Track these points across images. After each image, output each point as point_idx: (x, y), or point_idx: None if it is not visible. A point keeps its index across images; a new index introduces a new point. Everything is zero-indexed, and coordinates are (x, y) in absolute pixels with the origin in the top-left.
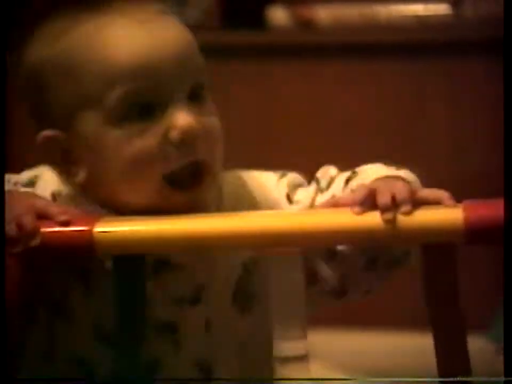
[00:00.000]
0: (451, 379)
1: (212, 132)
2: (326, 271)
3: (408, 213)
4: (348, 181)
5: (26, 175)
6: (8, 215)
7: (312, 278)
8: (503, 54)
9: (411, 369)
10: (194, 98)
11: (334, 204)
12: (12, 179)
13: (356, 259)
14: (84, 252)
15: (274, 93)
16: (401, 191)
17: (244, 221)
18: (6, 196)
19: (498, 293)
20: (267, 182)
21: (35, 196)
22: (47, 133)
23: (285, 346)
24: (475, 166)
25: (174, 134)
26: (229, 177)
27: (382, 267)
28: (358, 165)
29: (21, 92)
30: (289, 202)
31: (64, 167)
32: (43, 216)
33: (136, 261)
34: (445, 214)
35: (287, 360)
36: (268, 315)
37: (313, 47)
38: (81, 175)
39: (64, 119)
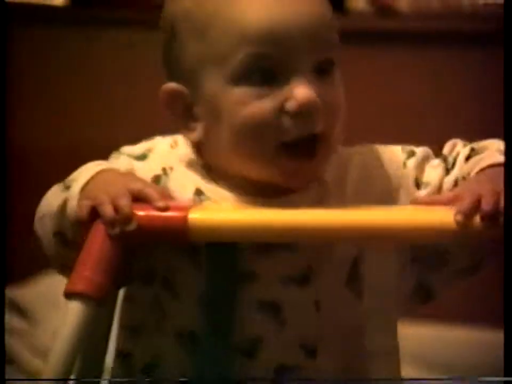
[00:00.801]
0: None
1: (333, 106)
2: (455, 249)
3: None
4: (467, 159)
5: (140, 147)
6: (104, 196)
7: (442, 258)
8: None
9: (472, 364)
10: (321, 72)
11: (434, 201)
12: (125, 150)
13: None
14: (177, 237)
15: (353, 77)
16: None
17: (336, 216)
18: (101, 175)
19: None
20: (394, 159)
21: (132, 176)
22: (172, 85)
23: (376, 340)
24: None
25: (292, 105)
26: (356, 152)
27: None
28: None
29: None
30: (417, 187)
31: (184, 121)
32: (140, 199)
33: (229, 247)
34: None
35: (377, 354)
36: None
37: (392, 33)
38: (198, 132)
39: (190, 74)
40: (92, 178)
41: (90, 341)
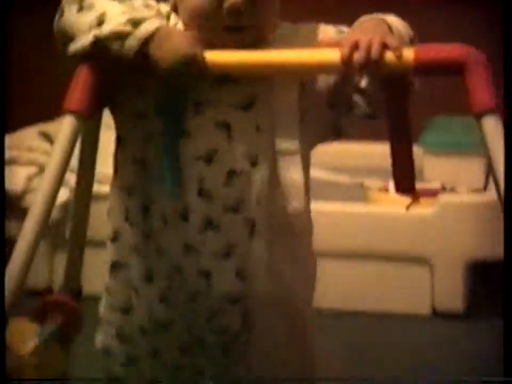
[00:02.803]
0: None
1: (260, 7)
2: (359, 100)
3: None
4: None
5: (165, 8)
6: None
7: (350, 105)
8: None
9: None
10: None
11: (323, 44)
12: (153, 3)
13: (379, 92)
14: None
15: None
16: (376, 41)
17: (264, 55)
18: (170, 30)
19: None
20: (327, 33)
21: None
22: None
23: (281, 142)
24: None
25: (226, 4)
26: (301, 27)
27: None
28: None
29: None
30: None
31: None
32: None
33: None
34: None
35: (281, 152)
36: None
37: None
38: (180, 11)
39: None
40: (157, 31)
41: (83, 159)
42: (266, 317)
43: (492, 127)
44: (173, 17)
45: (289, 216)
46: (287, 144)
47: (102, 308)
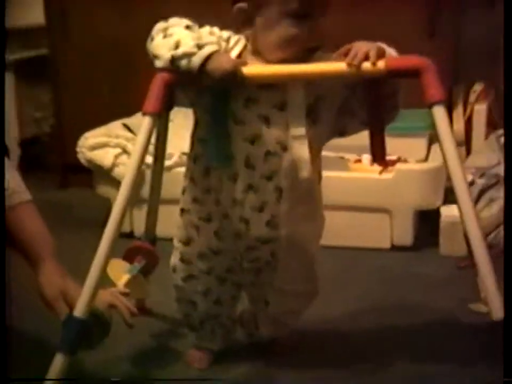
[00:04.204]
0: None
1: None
2: (359, 111)
3: (356, 64)
4: None
5: (225, 34)
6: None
7: (353, 115)
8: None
9: None
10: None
11: (338, 54)
12: (216, 31)
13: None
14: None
15: None
16: (360, 52)
17: (292, 68)
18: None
19: None
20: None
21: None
22: (240, 4)
23: (295, 130)
24: None
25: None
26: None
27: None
28: None
29: None
30: None
31: (242, 26)
32: None
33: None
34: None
35: (293, 139)
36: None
37: None
38: (249, 33)
39: None
40: (213, 53)
41: (158, 143)
42: (287, 252)
43: (441, 113)
44: (232, 40)
45: (304, 184)
46: (298, 131)
47: (175, 239)
